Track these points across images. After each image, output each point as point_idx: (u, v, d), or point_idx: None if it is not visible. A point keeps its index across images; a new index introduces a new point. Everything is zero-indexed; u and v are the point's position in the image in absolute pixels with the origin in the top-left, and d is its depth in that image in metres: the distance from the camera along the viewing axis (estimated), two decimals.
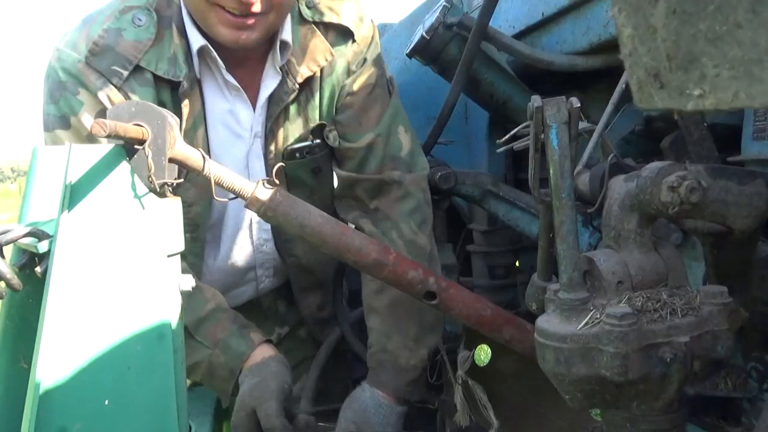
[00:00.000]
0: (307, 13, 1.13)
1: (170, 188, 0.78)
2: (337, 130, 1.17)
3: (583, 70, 1.02)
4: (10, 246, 0.69)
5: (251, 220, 1.22)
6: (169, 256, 0.78)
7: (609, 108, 0.74)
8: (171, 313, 0.76)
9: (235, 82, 1.10)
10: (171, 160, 0.77)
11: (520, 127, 0.90)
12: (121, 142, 0.72)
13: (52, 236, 0.69)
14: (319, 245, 0.84)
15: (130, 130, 0.67)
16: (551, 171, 0.55)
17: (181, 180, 0.80)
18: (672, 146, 0.98)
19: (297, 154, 1.16)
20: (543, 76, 1.16)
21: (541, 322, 0.57)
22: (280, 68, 1.10)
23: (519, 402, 1.46)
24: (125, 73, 1.02)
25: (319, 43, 1.13)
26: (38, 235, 0.68)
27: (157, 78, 1.04)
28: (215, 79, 1.11)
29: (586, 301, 0.54)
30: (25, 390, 0.76)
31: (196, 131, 1.08)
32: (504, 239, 1.41)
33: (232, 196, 0.84)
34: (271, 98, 1.12)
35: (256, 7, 0.97)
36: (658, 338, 0.51)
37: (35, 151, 0.78)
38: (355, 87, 1.16)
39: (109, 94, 1.02)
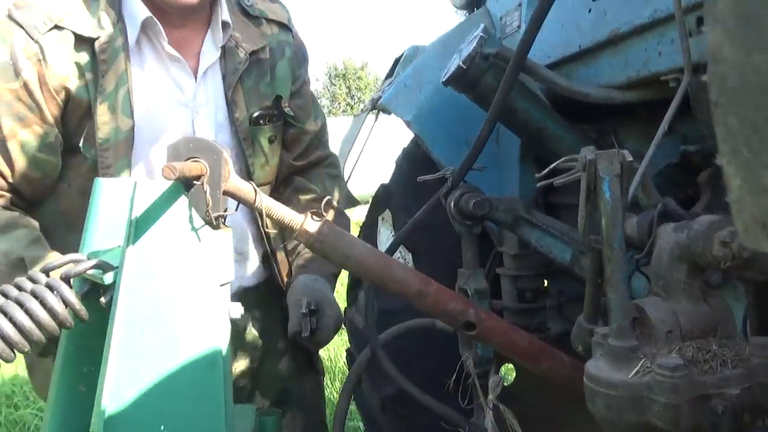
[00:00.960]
0: (247, 6, 1.33)
1: (223, 220, 0.82)
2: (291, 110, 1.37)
3: (619, 103, 1.04)
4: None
5: None
6: (221, 285, 0.81)
7: (651, 150, 0.76)
8: (222, 341, 0.79)
9: (176, 53, 1.21)
10: (224, 193, 0.81)
11: (559, 161, 0.92)
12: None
13: (116, 268, 0.73)
14: (363, 275, 0.87)
15: (193, 168, 0.71)
16: (603, 221, 0.57)
17: (234, 212, 0.84)
18: (709, 181, 0.99)
19: (260, 121, 1.31)
20: (576, 104, 1.18)
21: (591, 367, 0.58)
22: (223, 46, 1.25)
23: (544, 415, 1.48)
24: (44, 28, 1.11)
25: (254, 29, 1.32)
26: (104, 267, 0.72)
27: (78, 38, 1.13)
28: (155, 50, 1.22)
29: (636, 349, 0.56)
30: (82, 411, 0.79)
31: (118, 92, 1.16)
32: (534, 263, 1.42)
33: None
34: (226, 69, 1.26)
35: None
36: (709, 390, 0.52)
37: (97, 182, 0.82)
38: (306, 79, 1.43)
39: (25, 46, 1.10)
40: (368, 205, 1.84)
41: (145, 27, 1.18)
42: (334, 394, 2.99)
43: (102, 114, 1.15)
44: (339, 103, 29.90)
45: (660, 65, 0.88)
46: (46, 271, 0.72)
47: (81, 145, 1.16)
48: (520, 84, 1.18)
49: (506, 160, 1.44)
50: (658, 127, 1.07)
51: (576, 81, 1.10)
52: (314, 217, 0.85)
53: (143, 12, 1.17)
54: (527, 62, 1.09)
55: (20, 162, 1.12)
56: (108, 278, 0.71)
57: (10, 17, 1.11)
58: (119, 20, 1.17)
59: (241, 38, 1.28)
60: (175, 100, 1.25)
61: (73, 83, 1.14)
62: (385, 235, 1.81)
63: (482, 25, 1.18)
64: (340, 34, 62.41)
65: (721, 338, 0.56)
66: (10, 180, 1.14)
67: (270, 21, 1.36)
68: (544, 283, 1.47)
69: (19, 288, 0.68)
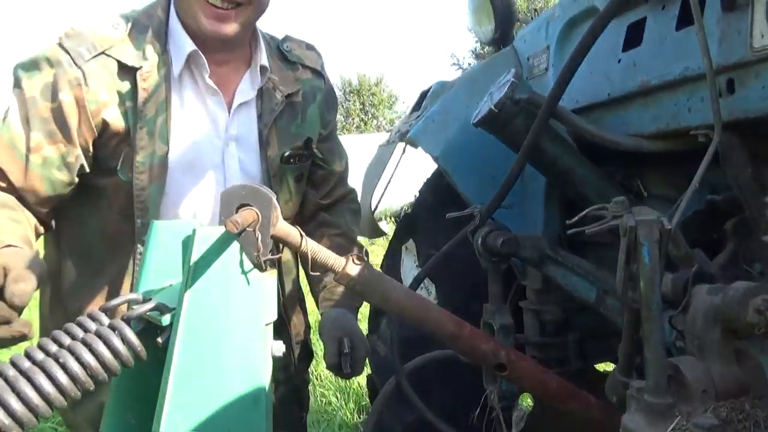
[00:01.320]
0: (285, 52, 1.42)
1: (269, 263, 0.86)
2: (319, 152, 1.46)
3: (647, 152, 1.07)
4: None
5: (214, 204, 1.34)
6: (266, 324, 0.85)
7: (683, 205, 0.79)
8: (265, 379, 0.83)
9: (214, 86, 1.29)
10: (273, 237, 0.85)
11: (589, 209, 0.96)
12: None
13: (173, 310, 0.77)
14: (400, 316, 0.90)
15: (248, 218, 0.75)
16: (642, 284, 0.60)
17: (279, 255, 0.88)
18: (736, 229, 1.02)
19: (291, 160, 1.38)
20: (603, 148, 1.22)
21: (627, 421, 0.61)
22: (261, 88, 1.33)
23: None
24: (88, 56, 1.17)
25: (290, 74, 1.41)
26: (161, 309, 0.76)
27: (121, 66, 1.20)
28: (195, 83, 1.29)
29: (672, 407, 0.59)
30: None
31: (157, 119, 1.22)
32: (557, 298, 1.45)
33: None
34: (262, 109, 1.34)
35: None
36: None
37: (154, 224, 0.86)
38: (335, 123, 1.55)
39: (68, 70, 1.16)
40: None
41: (190, 60, 1.26)
42: (348, 415, 3.01)
43: (141, 139, 1.21)
44: (353, 119, 30.09)
45: (690, 120, 0.91)
46: (106, 311, 0.77)
47: (119, 168, 1.22)
48: (549, 128, 1.22)
49: (531, 197, 1.47)
50: (684, 173, 1.10)
51: (604, 128, 1.13)
52: (355, 261, 0.89)
53: (189, 45, 1.24)
54: (558, 108, 1.13)
55: (36, 176, 1.17)
56: (166, 319, 0.75)
57: (60, 44, 1.18)
58: (164, 52, 1.24)
59: (278, 81, 1.36)
60: (209, 131, 1.31)
61: (113, 109, 1.20)
62: (409, 264, 1.84)
63: (513, 70, 1.23)
64: (355, 48, 63.00)
65: (754, 399, 0.59)
66: (17, 187, 1.17)
67: (305, 67, 1.44)
68: (567, 318, 1.49)
69: (83, 328, 0.73)
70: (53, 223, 1.27)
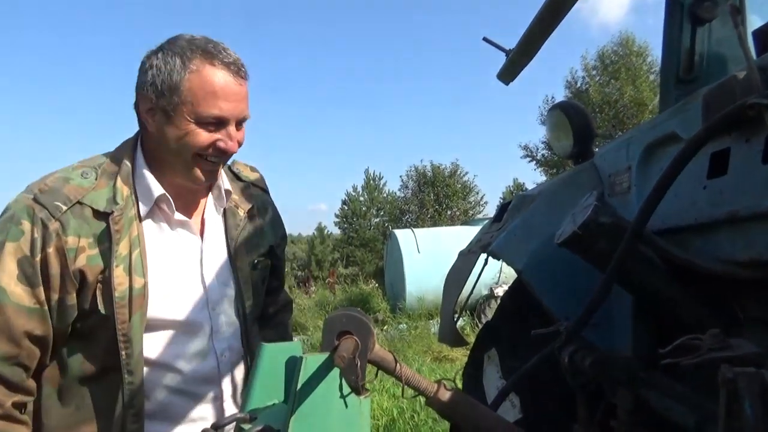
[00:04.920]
0: (237, 172, 1.67)
1: (364, 387, 0.91)
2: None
3: (742, 279, 1.05)
4: None
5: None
6: None
7: None
8: None
9: (184, 218, 1.47)
10: (370, 362, 0.90)
11: (683, 339, 0.95)
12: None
13: (278, 431, 0.82)
14: None
15: (351, 347, 0.81)
16: None
17: (375, 378, 0.93)
18: None
19: (258, 266, 1.60)
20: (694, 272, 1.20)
21: None
22: (225, 209, 1.55)
23: None
24: (64, 208, 1.28)
25: (246, 192, 1.64)
26: (269, 431, 0.82)
27: (95, 212, 1.31)
28: (165, 217, 1.44)
29: None
30: None
31: (131, 254, 1.33)
32: (651, 419, 1.38)
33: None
34: (227, 226, 1.54)
35: (234, 149, 1.39)
36: None
37: (263, 347, 0.94)
38: (284, 241, 1.76)
39: (47, 223, 1.26)
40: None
41: (158, 201, 1.43)
42: None
43: (118, 276, 1.30)
44: (427, 209, 30.53)
45: None
46: (217, 428, 0.83)
47: (100, 306, 1.31)
48: (636, 250, 1.23)
49: (618, 315, 1.45)
50: None
51: (693, 252, 1.13)
52: (446, 387, 0.92)
53: (157, 189, 1.40)
54: (643, 233, 1.15)
55: (50, 324, 1.28)
56: None
57: (35, 200, 1.28)
58: (132, 193, 1.38)
59: (238, 200, 1.59)
60: (184, 257, 1.46)
61: (90, 252, 1.30)
62: (491, 374, 1.82)
63: (595, 192, 1.27)
64: (428, 137, 64.97)
65: None
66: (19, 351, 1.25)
67: (255, 185, 1.70)
68: None
69: None
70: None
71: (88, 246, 1.30)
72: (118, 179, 1.36)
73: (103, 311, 1.30)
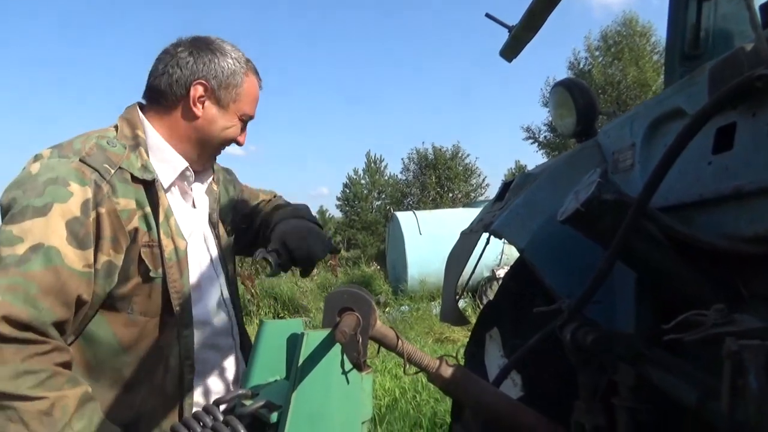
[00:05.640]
0: None
1: (366, 363, 0.90)
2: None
3: (746, 255, 1.04)
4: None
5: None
6: (362, 422, 0.89)
7: None
8: None
9: (189, 190, 1.60)
10: (371, 339, 0.90)
11: (687, 314, 0.94)
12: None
13: (280, 407, 0.82)
14: (491, 418, 0.91)
15: (352, 323, 0.81)
16: (751, 410, 0.59)
17: (377, 355, 0.93)
18: None
19: (230, 233, 1.77)
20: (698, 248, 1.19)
21: None
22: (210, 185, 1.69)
23: None
24: (112, 171, 1.34)
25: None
26: (270, 406, 0.82)
27: (134, 178, 1.38)
28: (178, 190, 1.57)
29: None
30: None
31: (169, 220, 1.44)
32: (653, 396, 1.38)
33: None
34: (210, 203, 1.68)
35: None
36: None
37: (265, 324, 0.94)
38: (237, 186, 1.94)
39: (100, 184, 1.30)
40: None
41: (182, 172, 1.54)
42: None
43: (164, 239, 1.40)
44: (429, 192, 30.49)
45: None
46: (219, 404, 0.83)
47: (150, 268, 1.37)
48: (639, 227, 1.22)
49: (621, 292, 1.45)
50: None
51: (697, 228, 1.12)
52: (448, 362, 0.92)
53: (182, 163, 1.52)
54: (647, 209, 1.14)
55: (86, 289, 1.25)
56: (273, 416, 0.81)
57: (84, 162, 1.31)
58: (152, 166, 1.45)
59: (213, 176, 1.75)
60: (193, 224, 1.59)
61: (138, 216, 1.37)
62: (493, 353, 1.83)
63: (599, 169, 1.25)
64: (429, 119, 64.65)
65: None
66: (66, 314, 1.23)
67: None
68: (665, 417, 1.41)
69: (200, 422, 0.79)
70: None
71: (136, 209, 1.36)
72: (141, 151, 1.43)
73: (153, 274, 1.37)
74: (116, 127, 1.47)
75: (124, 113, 1.52)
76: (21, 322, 1.09)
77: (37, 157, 1.32)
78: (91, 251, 1.25)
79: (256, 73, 1.59)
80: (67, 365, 1.19)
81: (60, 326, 1.19)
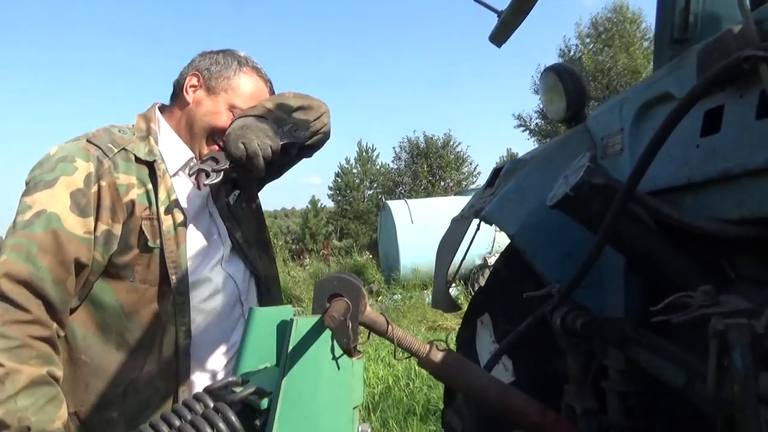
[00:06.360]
0: None
1: (356, 348, 0.90)
2: None
3: (733, 237, 1.05)
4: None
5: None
6: (353, 408, 0.89)
7: None
8: None
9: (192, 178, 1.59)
10: (361, 324, 0.90)
11: (674, 296, 0.95)
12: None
13: (270, 394, 0.82)
14: (482, 403, 0.91)
15: (342, 309, 0.81)
16: (736, 388, 0.60)
17: (367, 341, 0.93)
18: None
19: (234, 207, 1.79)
20: (686, 231, 1.20)
21: None
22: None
23: None
24: (115, 150, 1.47)
25: None
26: (260, 393, 0.82)
27: (137, 159, 1.50)
28: (182, 177, 1.62)
29: None
30: None
31: (170, 197, 1.53)
32: (642, 379, 1.39)
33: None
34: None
35: None
36: None
37: (253, 311, 0.94)
38: None
39: (102, 160, 1.43)
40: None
41: (186, 162, 1.62)
42: None
43: (163, 213, 1.50)
44: (420, 181, 30.48)
45: None
46: (210, 392, 0.83)
47: (149, 239, 1.47)
48: (627, 211, 1.22)
49: (610, 276, 1.46)
50: None
51: (685, 211, 1.12)
52: (439, 347, 0.92)
53: (188, 152, 1.61)
54: (636, 193, 1.14)
55: (85, 253, 1.36)
56: (264, 403, 0.81)
57: (90, 141, 1.46)
58: (160, 153, 1.57)
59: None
60: (195, 204, 1.66)
61: (137, 191, 1.48)
62: (485, 338, 1.84)
63: (588, 154, 1.25)
64: (420, 108, 64.47)
65: None
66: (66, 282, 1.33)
67: None
68: (654, 400, 1.43)
69: (190, 409, 0.79)
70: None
71: (136, 185, 1.48)
72: (150, 139, 1.56)
73: (151, 244, 1.47)
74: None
75: (144, 111, 1.67)
76: (20, 278, 1.23)
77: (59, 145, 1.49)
78: (92, 219, 1.37)
79: (263, 76, 1.69)
80: (47, 340, 1.27)
81: (60, 284, 1.29)
